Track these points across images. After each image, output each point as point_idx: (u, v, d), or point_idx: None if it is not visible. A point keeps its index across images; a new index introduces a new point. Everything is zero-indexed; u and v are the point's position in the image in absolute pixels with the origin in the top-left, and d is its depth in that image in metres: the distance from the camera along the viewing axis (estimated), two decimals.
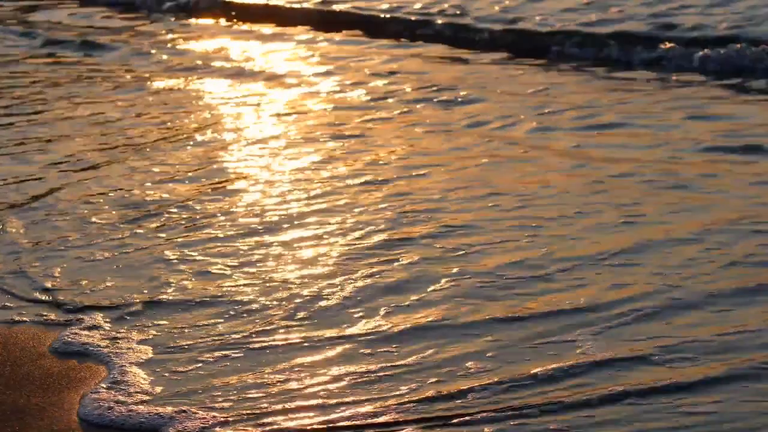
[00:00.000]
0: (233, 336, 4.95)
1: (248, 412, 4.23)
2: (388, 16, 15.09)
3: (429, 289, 5.44)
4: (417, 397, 4.31)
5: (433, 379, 4.46)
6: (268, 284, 5.57)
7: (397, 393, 4.35)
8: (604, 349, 4.67)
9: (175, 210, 6.94)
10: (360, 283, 5.53)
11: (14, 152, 8.62)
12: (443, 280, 5.54)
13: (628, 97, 10.07)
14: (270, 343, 4.87)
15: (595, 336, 4.82)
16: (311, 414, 4.21)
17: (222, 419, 4.17)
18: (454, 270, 5.68)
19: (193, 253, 6.10)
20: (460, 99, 10.14)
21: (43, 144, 8.87)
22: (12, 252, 6.22)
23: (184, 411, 4.23)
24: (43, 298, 5.49)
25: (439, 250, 6.01)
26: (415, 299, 5.32)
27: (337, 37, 14.42)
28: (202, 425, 4.12)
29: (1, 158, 8.44)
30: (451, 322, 5.05)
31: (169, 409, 4.24)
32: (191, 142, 8.81)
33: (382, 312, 5.17)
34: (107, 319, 5.16)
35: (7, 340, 4.92)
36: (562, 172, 7.56)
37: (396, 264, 5.81)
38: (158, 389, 4.42)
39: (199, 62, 12.79)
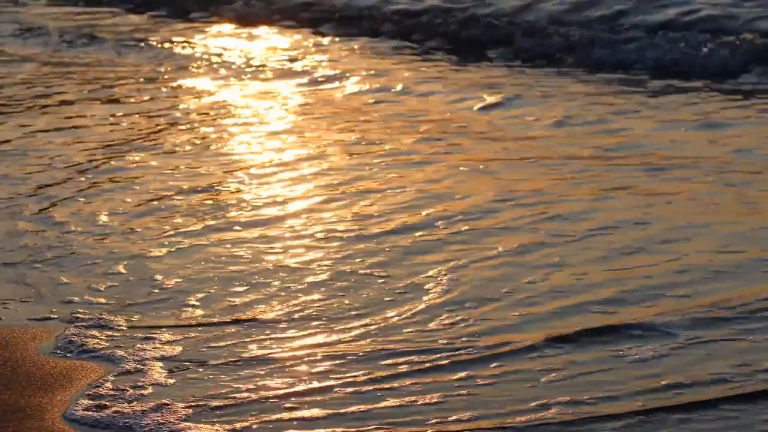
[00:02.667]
0: (236, 342, 4.95)
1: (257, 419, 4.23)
2: None
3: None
4: None
5: None
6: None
7: None
8: None
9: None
10: None
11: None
12: None
13: None
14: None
15: None
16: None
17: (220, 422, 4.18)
18: None
19: (193, 255, 6.11)
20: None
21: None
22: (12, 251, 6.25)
23: (185, 411, 4.22)
24: (45, 297, 5.49)
25: None
26: None
27: None
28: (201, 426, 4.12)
29: None
30: None
31: (168, 409, 4.23)
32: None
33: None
34: (107, 320, 5.14)
35: (8, 340, 4.91)
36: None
37: None
38: (159, 390, 4.41)
39: None
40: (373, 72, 11.50)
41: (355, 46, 13.24)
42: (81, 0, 17.95)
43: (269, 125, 9.39)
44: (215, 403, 4.31)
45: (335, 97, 10.50)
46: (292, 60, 12.54)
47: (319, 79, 11.33)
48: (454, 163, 7.90)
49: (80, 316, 5.20)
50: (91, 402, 4.29)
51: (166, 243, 6.29)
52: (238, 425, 4.13)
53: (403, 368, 4.58)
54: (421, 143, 8.48)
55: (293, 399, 4.33)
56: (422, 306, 5.23)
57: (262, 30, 14.86)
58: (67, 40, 14.52)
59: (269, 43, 13.96)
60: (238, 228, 6.50)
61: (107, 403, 4.28)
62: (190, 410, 4.23)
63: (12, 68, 12.39)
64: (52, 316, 5.22)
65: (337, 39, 13.82)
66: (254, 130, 9.15)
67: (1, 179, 7.67)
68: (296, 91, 10.87)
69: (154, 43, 13.96)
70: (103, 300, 5.43)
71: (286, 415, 4.21)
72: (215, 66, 12.38)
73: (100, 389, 4.39)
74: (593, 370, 4.52)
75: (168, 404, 4.27)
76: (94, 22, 16.17)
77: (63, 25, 15.73)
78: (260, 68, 12.12)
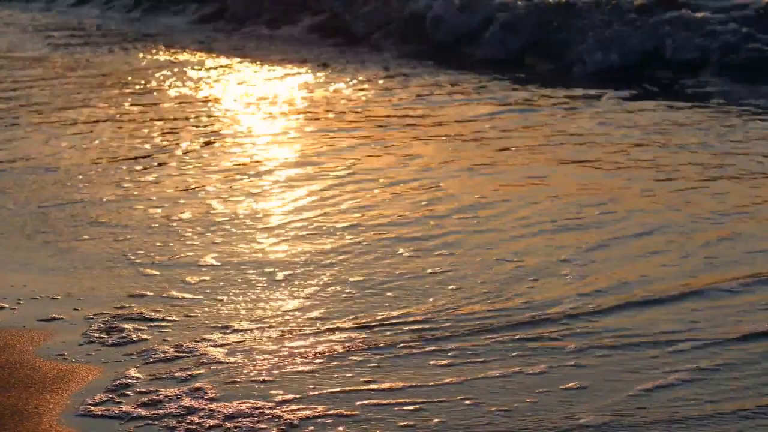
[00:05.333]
0: (237, 342, 4.94)
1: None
2: None
3: None
4: None
5: None
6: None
7: None
8: None
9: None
10: None
11: None
12: None
13: None
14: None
15: None
16: None
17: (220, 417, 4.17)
18: None
19: (196, 255, 6.10)
20: None
21: None
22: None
23: (184, 412, 4.22)
24: (42, 299, 5.48)
25: None
26: None
27: None
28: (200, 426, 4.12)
29: None
30: None
31: (168, 411, 4.23)
32: None
33: None
34: (106, 321, 5.14)
35: (5, 342, 4.91)
36: None
37: None
38: (159, 391, 4.39)
39: None
40: None
41: None
42: None
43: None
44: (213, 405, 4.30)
45: None
46: None
47: None
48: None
49: (80, 318, 5.20)
50: (88, 404, 4.28)
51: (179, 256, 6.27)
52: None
53: None
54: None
55: None
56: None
57: None
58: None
59: None
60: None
61: (106, 404, 4.27)
62: (191, 416, 4.22)
63: None
64: (51, 318, 5.21)
65: None
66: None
67: None
68: None
69: None
70: (102, 303, 5.41)
71: None
72: None
73: (99, 392, 4.38)
74: None
75: (166, 404, 4.27)
76: None
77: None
78: None
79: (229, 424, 4.12)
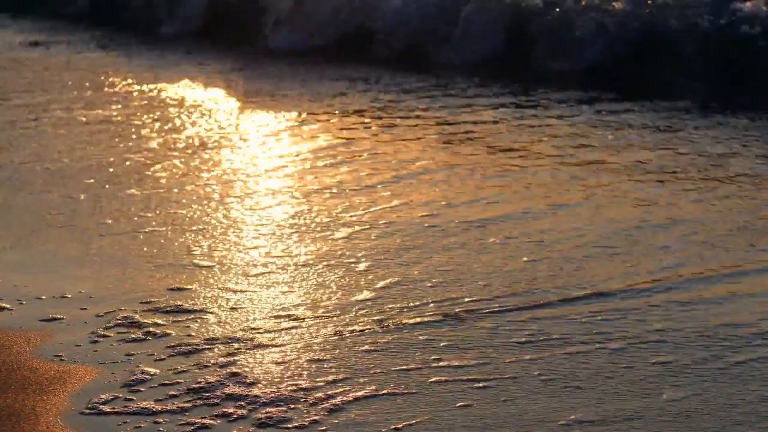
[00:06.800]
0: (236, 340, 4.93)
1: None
2: None
3: None
4: None
5: None
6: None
7: None
8: None
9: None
10: None
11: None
12: None
13: None
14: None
15: None
16: None
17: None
18: None
19: (197, 256, 6.08)
20: None
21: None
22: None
23: (185, 413, 4.21)
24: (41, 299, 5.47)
25: None
26: None
27: None
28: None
29: None
30: None
31: (168, 410, 4.22)
32: None
33: None
34: (106, 322, 5.12)
35: (2, 343, 4.90)
36: None
37: None
38: (159, 391, 4.38)
39: None
40: None
41: None
42: None
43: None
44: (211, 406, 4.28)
45: None
46: None
47: None
48: None
49: (79, 318, 5.19)
50: (85, 405, 4.26)
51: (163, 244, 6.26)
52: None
53: None
54: None
55: None
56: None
57: None
58: None
59: None
60: None
61: (104, 406, 4.26)
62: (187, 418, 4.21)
63: None
64: (49, 318, 5.20)
65: None
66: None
67: None
68: None
69: None
70: (100, 303, 5.40)
71: None
72: None
73: (96, 392, 4.37)
74: None
75: (164, 401, 4.27)
76: None
77: None
78: None
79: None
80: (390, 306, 5.22)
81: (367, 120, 9.86)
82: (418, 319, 5.04)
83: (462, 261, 5.87)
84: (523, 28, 12.82)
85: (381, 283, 5.54)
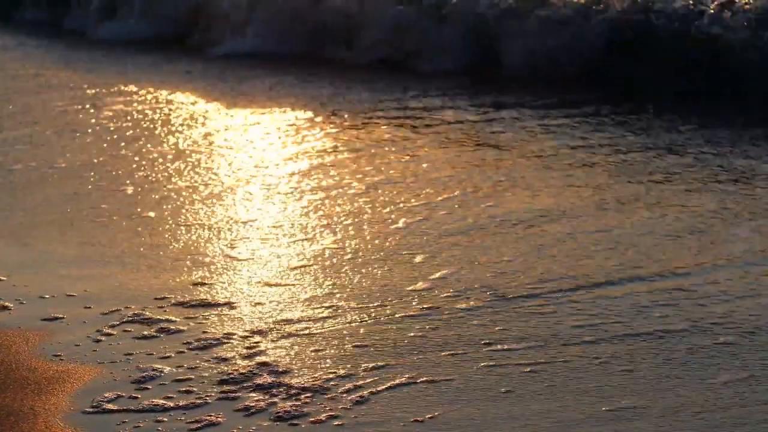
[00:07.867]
0: (236, 339, 4.81)
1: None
2: None
3: None
4: None
5: None
6: None
7: None
8: None
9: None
10: None
11: None
12: None
13: None
14: None
15: None
16: None
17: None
18: None
19: (198, 258, 5.98)
20: None
21: None
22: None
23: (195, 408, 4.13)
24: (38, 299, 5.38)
25: None
26: None
27: None
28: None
29: None
30: None
31: (174, 407, 4.13)
32: None
33: None
34: (105, 322, 5.01)
35: (2, 342, 4.83)
36: None
37: None
38: (159, 392, 4.27)
39: None
40: None
41: None
42: None
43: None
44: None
45: None
46: None
47: None
48: None
49: (78, 318, 5.09)
50: (89, 404, 4.18)
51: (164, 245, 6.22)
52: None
53: None
54: None
55: None
56: None
57: None
58: None
59: None
60: None
61: (102, 406, 4.16)
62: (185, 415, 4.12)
63: None
64: (48, 318, 5.11)
65: None
66: None
67: None
68: None
69: None
70: (100, 303, 5.28)
71: None
72: None
73: (100, 391, 4.28)
74: None
75: (163, 402, 4.17)
76: None
77: None
78: None
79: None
80: (438, 293, 5.15)
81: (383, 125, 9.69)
82: (464, 305, 4.96)
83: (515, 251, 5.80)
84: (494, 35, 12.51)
85: (433, 275, 5.44)
